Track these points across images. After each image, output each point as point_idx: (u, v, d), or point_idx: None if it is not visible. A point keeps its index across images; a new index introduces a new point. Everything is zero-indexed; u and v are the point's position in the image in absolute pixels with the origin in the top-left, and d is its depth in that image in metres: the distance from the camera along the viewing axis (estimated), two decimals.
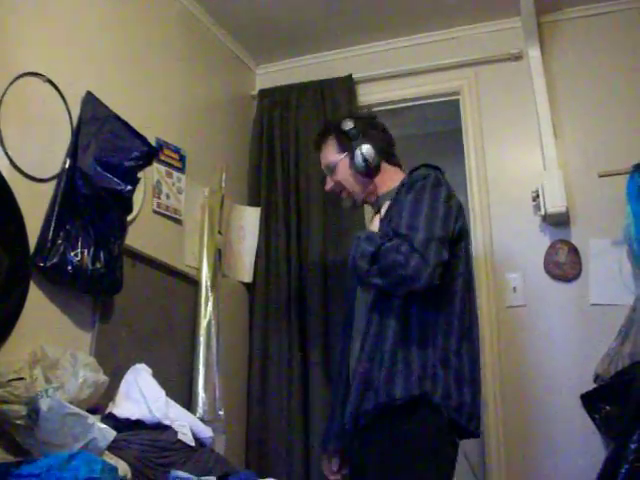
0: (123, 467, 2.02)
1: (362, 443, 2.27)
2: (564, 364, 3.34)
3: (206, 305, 3.33)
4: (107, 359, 2.59)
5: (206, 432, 2.61)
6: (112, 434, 2.08)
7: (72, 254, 2.50)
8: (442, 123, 4.56)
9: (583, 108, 3.67)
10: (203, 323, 3.29)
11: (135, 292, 2.91)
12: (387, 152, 2.57)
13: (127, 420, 2.35)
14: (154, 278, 3.10)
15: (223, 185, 3.76)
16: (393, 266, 2.12)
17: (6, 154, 2.40)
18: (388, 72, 4.02)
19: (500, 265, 3.60)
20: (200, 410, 3.10)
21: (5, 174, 2.32)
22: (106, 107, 2.81)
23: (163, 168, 3.27)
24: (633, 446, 2.67)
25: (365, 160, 2.47)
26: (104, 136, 2.70)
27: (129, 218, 2.86)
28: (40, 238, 2.46)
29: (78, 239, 2.54)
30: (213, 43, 3.99)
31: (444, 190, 2.27)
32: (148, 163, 2.81)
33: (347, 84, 4.04)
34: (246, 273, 3.84)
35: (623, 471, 2.65)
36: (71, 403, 2.11)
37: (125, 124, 2.79)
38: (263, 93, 4.28)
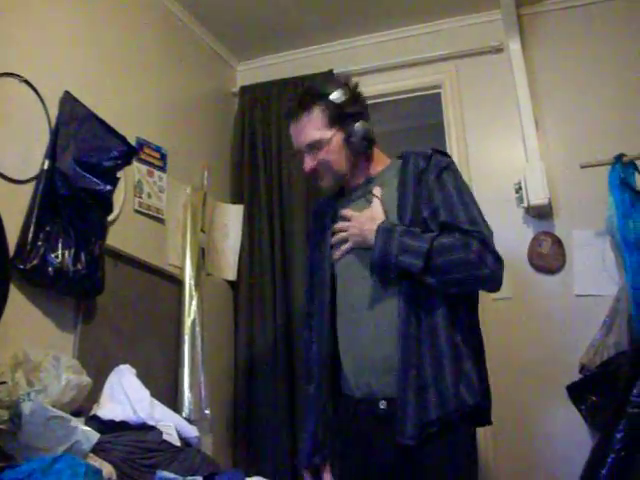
0: (108, 469, 2.01)
1: (418, 457, 1.95)
2: (549, 355, 3.35)
3: (190, 304, 3.31)
4: (90, 361, 2.58)
5: (192, 432, 2.59)
6: (96, 436, 2.06)
7: (52, 255, 2.48)
8: (424, 117, 4.56)
9: (564, 100, 3.68)
10: (187, 322, 3.27)
11: (118, 292, 2.88)
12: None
13: (111, 422, 2.34)
14: (137, 278, 3.08)
15: (205, 183, 3.74)
16: (464, 265, 1.96)
17: None
18: (369, 67, 4.01)
19: None
20: (186, 410, 3.09)
21: None
22: (85, 107, 2.79)
23: (144, 167, 3.25)
24: (619, 435, 2.68)
25: (364, 137, 2.17)
26: (83, 136, 2.68)
27: (110, 218, 2.84)
28: (20, 240, 2.43)
29: (58, 240, 2.52)
30: (193, 40, 3.97)
31: None
32: (128, 162, 2.79)
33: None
34: (230, 271, 3.82)
35: (609, 460, 2.66)
36: (54, 406, 2.09)
37: (104, 124, 2.77)
38: (244, 90, 4.26)
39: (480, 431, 3.35)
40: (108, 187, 2.61)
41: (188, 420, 2.82)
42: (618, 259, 3.30)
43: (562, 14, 3.80)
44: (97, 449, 2.06)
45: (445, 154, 2.21)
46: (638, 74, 3.54)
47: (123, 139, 2.75)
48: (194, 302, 3.32)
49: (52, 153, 2.61)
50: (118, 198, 2.91)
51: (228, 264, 3.82)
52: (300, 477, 2.28)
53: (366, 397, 2.05)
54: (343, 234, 2.17)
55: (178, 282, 3.35)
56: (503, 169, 3.68)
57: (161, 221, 3.33)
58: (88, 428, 2.07)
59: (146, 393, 2.49)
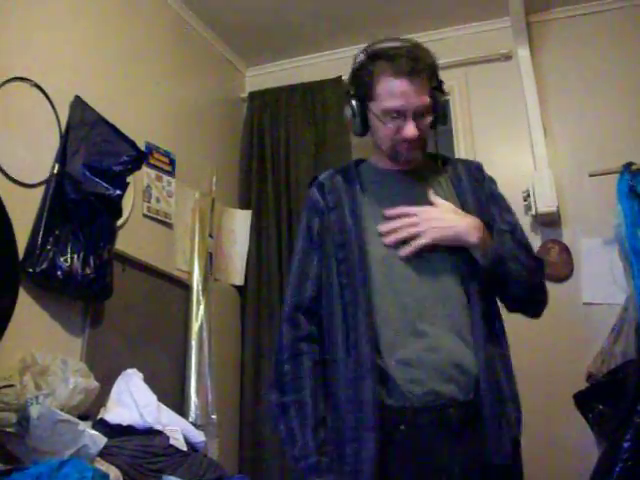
0: (115, 473, 2.01)
1: (502, 477, 1.71)
2: (556, 363, 3.34)
3: (197, 309, 3.32)
4: (98, 365, 2.58)
5: (198, 437, 2.60)
6: (103, 440, 2.07)
7: (62, 259, 2.49)
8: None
9: (573, 107, 3.67)
10: (195, 327, 3.27)
11: (126, 297, 2.89)
12: None
13: (118, 426, 2.34)
14: (145, 282, 3.09)
15: (214, 188, 3.75)
16: (543, 290, 1.96)
17: None
18: None
19: None
20: (192, 414, 3.09)
21: None
22: (95, 111, 2.80)
23: (153, 172, 3.26)
24: (626, 445, 2.67)
25: (445, 115, 1.91)
26: (93, 141, 2.69)
27: (119, 222, 2.84)
28: (29, 244, 2.45)
29: (67, 244, 2.53)
30: (203, 46, 3.98)
31: None
32: (137, 167, 2.81)
33: (336, 85, 4.03)
34: (237, 276, 3.83)
35: (617, 470, 2.65)
36: (62, 410, 2.10)
37: (114, 128, 2.78)
38: (253, 95, 4.27)
39: None
40: (118, 192, 2.62)
41: (194, 425, 2.83)
42: (626, 267, 3.28)
43: (570, 22, 3.80)
44: (104, 453, 2.07)
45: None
46: None
47: (133, 144, 2.76)
48: (201, 307, 3.33)
49: (62, 157, 2.63)
50: (127, 203, 2.92)
51: (235, 269, 3.82)
52: None
53: (429, 406, 1.68)
54: (413, 229, 1.79)
55: (186, 287, 3.35)
56: (511, 176, 3.66)
57: (169, 226, 3.34)
58: (96, 432, 2.08)
59: (153, 397, 2.50)
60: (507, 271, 1.81)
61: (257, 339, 3.74)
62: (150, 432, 2.38)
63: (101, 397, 2.43)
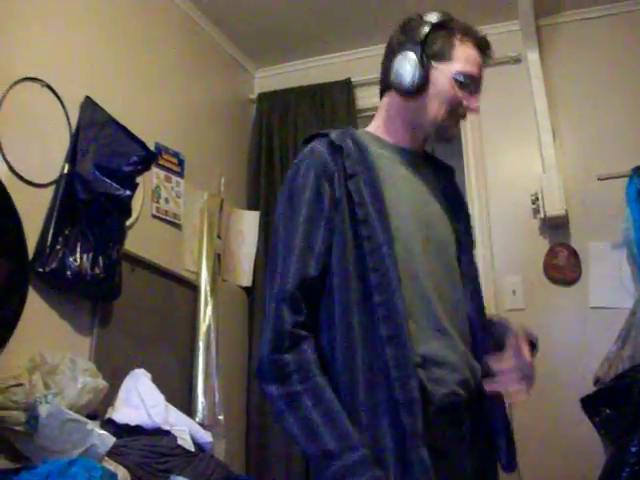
0: (123, 473, 2.02)
1: None
2: (564, 367, 3.33)
3: (205, 309, 3.33)
4: (106, 364, 2.59)
5: (206, 437, 2.60)
6: (111, 440, 2.07)
7: (71, 259, 2.50)
8: None
9: (582, 111, 3.67)
10: (202, 328, 3.28)
11: (134, 297, 2.90)
12: None
13: (126, 426, 2.35)
14: (153, 283, 3.09)
15: (222, 189, 3.76)
16: None
17: (5, 159, 2.40)
18: None
19: (499, 268, 3.60)
20: (200, 415, 3.10)
21: (4, 179, 2.32)
22: (105, 112, 2.81)
23: (162, 172, 3.27)
24: (634, 449, 2.66)
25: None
26: (103, 141, 2.70)
27: (128, 223, 2.85)
28: (39, 243, 2.46)
29: (77, 244, 2.54)
30: (212, 47, 3.99)
31: None
32: (147, 168, 2.82)
33: (345, 88, 4.04)
34: (245, 277, 3.83)
35: (624, 475, 2.64)
36: (70, 409, 2.11)
37: (124, 129, 2.79)
38: (262, 97, 4.28)
39: None
40: (127, 192, 2.63)
41: (202, 425, 2.84)
42: (634, 272, 3.29)
43: (580, 25, 3.79)
44: (112, 453, 2.08)
45: None
46: None
47: (143, 144, 2.77)
48: (209, 308, 3.34)
49: (72, 157, 2.64)
50: (136, 203, 2.93)
51: (243, 270, 3.83)
52: None
53: (447, 407, 1.54)
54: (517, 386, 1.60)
55: (194, 287, 3.36)
56: (520, 180, 3.67)
57: (178, 226, 3.34)
58: (104, 432, 2.09)
59: (161, 398, 2.51)
60: None
61: None
62: (158, 432, 2.39)
63: (109, 397, 2.44)
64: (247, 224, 3.91)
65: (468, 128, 3.86)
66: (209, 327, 3.29)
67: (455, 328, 1.60)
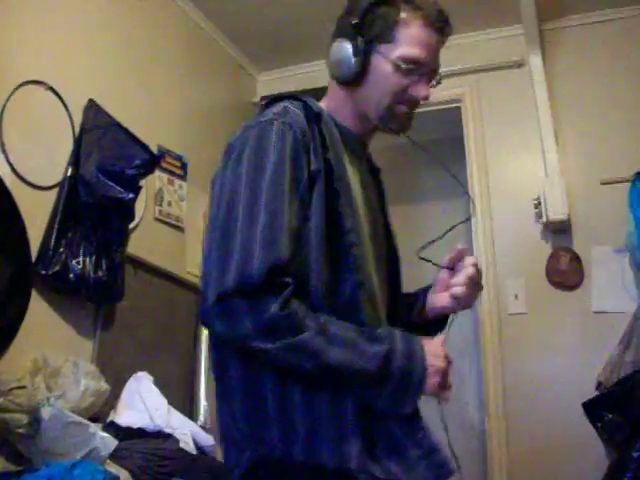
0: (125, 476, 2.02)
1: None
2: (566, 372, 3.33)
3: None
4: (109, 367, 2.59)
5: (208, 440, 2.60)
6: (114, 443, 2.07)
7: (74, 262, 2.50)
8: (443, 130, 4.56)
9: (585, 115, 3.67)
10: (204, 330, 3.28)
11: (137, 300, 2.90)
12: None
13: (129, 428, 2.35)
14: (156, 286, 3.10)
15: None
16: None
17: (8, 162, 2.41)
18: None
19: (502, 272, 3.60)
20: (202, 418, 3.09)
21: (7, 182, 2.33)
22: (108, 115, 2.82)
23: (165, 175, 3.27)
24: (636, 455, 2.66)
25: None
26: (106, 144, 2.71)
27: (131, 226, 2.86)
28: (42, 246, 2.46)
29: (80, 247, 2.54)
30: (215, 51, 3.99)
31: None
32: (150, 171, 2.82)
33: None
34: None
35: (626, 479, 2.64)
36: (73, 411, 2.11)
37: (127, 132, 2.80)
38: (264, 100, 4.28)
39: (494, 446, 3.35)
40: (131, 195, 2.64)
41: (204, 428, 2.83)
42: (637, 276, 3.29)
43: (583, 30, 3.79)
44: (114, 456, 2.08)
45: None
46: None
47: (146, 147, 2.78)
48: None
49: (75, 160, 2.64)
50: (139, 206, 2.93)
51: None
52: None
53: None
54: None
55: (196, 290, 3.35)
56: (522, 184, 3.67)
57: (181, 229, 3.35)
58: (106, 434, 2.09)
59: (163, 401, 2.51)
60: None
61: None
62: (160, 435, 2.39)
63: (111, 400, 2.44)
64: None
65: (471, 131, 3.86)
66: None
67: (383, 305, 1.49)
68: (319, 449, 1.26)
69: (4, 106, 2.41)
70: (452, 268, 1.53)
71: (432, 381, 1.29)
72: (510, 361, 3.48)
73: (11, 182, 2.37)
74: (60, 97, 2.67)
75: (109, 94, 2.92)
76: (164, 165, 3.27)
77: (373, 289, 1.43)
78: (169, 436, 2.40)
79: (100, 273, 2.57)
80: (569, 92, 3.72)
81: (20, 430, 2.04)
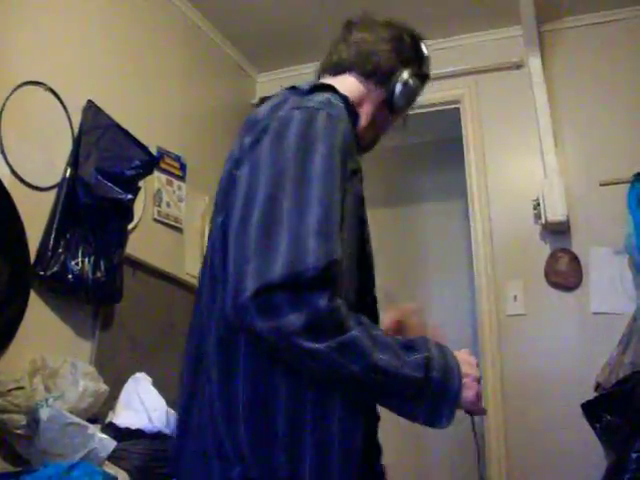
0: (123, 477, 2.02)
1: None
2: (565, 373, 3.33)
3: None
4: (107, 368, 2.59)
5: None
6: (112, 444, 2.07)
7: (72, 263, 2.50)
8: (442, 132, 4.56)
9: (584, 116, 3.67)
10: None
11: (135, 301, 2.90)
12: None
13: (127, 430, 2.35)
14: (155, 287, 3.10)
15: None
16: None
17: (7, 163, 2.41)
18: None
19: (501, 273, 3.59)
20: None
21: (6, 182, 2.33)
22: (107, 116, 2.82)
23: (164, 176, 3.27)
24: (634, 456, 2.66)
25: None
26: (105, 145, 2.71)
27: (129, 227, 2.86)
28: (41, 247, 2.46)
29: (79, 248, 2.54)
30: (214, 51, 3.99)
31: None
32: (149, 172, 2.82)
33: None
34: None
35: None
36: (71, 412, 2.11)
37: (126, 133, 2.80)
38: (264, 101, 4.27)
39: (493, 448, 3.35)
40: (129, 196, 2.64)
41: None
42: (636, 277, 3.28)
43: (583, 31, 3.79)
44: (113, 457, 2.08)
45: None
46: None
47: (145, 148, 2.78)
48: None
49: (74, 161, 2.64)
50: (137, 207, 2.93)
51: None
52: None
53: None
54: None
55: (195, 291, 3.36)
56: (521, 185, 3.67)
57: (179, 230, 3.35)
58: (105, 435, 2.09)
59: (162, 402, 2.50)
60: None
61: None
62: (159, 436, 2.38)
63: (110, 400, 2.44)
64: None
65: (470, 133, 3.86)
66: None
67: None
68: (330, 470, 1.19)
69: (3, 107, 2.41)
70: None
71: (470, 393, 1.21)
72: (509, 362, 3.48)
73: (10, 183, 2.37)
74: (59, 98, 2.67)
75: (108, 95, 2.92)
76: (163, 166, 3.27)
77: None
78: (168, 437, 2.39)
79: (99, 274, 2.57)
80: (568, 93, 3.72)
81: (18, 431, 2.04)
